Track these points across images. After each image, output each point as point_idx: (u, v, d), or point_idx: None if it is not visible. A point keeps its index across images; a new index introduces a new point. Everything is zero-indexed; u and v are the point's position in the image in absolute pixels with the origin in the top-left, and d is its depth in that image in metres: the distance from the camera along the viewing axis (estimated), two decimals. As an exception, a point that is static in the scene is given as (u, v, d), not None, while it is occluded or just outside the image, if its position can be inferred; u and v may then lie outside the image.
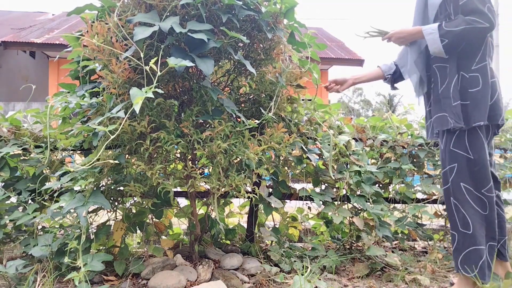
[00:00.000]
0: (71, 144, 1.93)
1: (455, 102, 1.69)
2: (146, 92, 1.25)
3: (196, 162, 2.01)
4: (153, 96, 1.28)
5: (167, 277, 1.80)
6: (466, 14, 1.60)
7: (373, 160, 2.68)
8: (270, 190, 2.39)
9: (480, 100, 1.67)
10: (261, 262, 2.13)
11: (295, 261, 2.13)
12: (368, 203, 2.28)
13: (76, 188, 1.74)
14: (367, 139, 2.58)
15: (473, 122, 1.67)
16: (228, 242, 2.50)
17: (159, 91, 1.30)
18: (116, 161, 1.56)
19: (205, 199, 2.33)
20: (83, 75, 1.89)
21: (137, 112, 1.22)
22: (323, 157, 2.30)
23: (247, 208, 2.61)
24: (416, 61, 1.85)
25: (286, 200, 2.48)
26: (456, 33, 1.61)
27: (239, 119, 1.80)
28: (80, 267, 1.57)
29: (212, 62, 1.47)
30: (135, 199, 2.13)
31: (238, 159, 1.85)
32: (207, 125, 1.91)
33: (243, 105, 2.06)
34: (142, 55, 1.41)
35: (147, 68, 1.34)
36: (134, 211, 2.17)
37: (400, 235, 2.57)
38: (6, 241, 2.02)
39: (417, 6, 1.84)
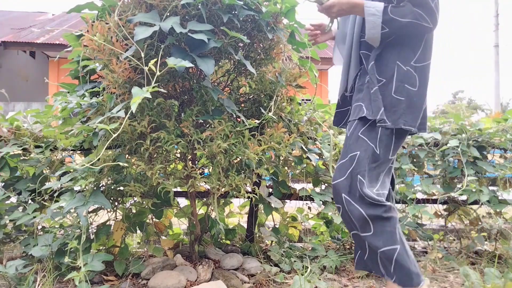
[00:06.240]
0: (71, 144, 1.93)
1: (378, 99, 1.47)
2: (147, 91, 1.25)
3: (196, 162, 2.01)
4: (150, 96, 1.28)
5: (167, 277, 1.79)
6: (414, 5, 1.39)
7: (373, 160, 2.67)
8: (270, 190, 2.39)
9: (415, 102, 1.47)
10: (261, 262, 2.13)
11: (295, 261, 2.13)
12: (368, 203, 2.28)
13: (76, 188, 1.74)
14: (367, 139, 2.57)
15: (402, 124, 1.45)
16: (228, 242, 2.50)
17: (160, 89, 1.30)
18: (118, 163, 1.55)
19: (205, 199, 2.33)
20: (83, 75, 1.89)
21: (134, 111, 1.22)
22: (323, 157, 2.30)
23: (247, 208, 2.61)
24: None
25: (286, 200, 2.48)
26: (401, 25, 1.39)
27: (239, 119, 1.80)
28: (80, 267, 1.57)
29: (212, 62, 1.47)
30: (135, 199, 2.13)
31: (238, 159, 1.85)
32: (207, 125, 1.91)
33: (243, 105, 2.06)
34: (142, 55, 1.41)
35: (147, 68, 1.34)
36: (134, 211, 2.17)
37: (400, 235, 2.56)
38: (6, 241, 2.02)
39: None
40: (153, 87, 1.29)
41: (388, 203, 1.45)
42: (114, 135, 1.41)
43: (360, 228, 1.46)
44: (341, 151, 1.57)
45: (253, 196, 1.92)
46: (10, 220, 1.90)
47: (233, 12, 1.60)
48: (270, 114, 1.81)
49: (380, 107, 1.45)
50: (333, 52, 1.84)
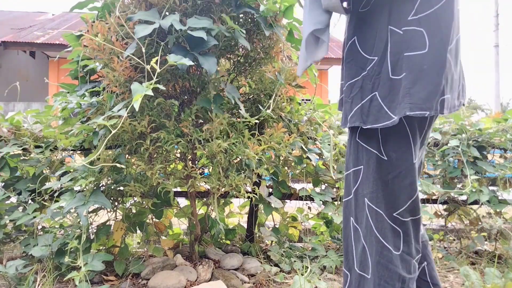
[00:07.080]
0: (71, 144, 1.93)
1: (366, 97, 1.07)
2: (147, 87, 1.25)
3: (196, 162, 2.01)
4: (152, 94, 1.27)
5: (167, 277, 1.79)
6: None
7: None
8: (270, 190, 2.39)
9: (427, 71, 0.98)
10: (261, 262, 2.13)
11: (295, 261, 2.13)
12: (368, 203, 2.28)
13: (76, 188, 1.74)
14: (367, 139, 2.57)
15: (408, 109, 0.98)
16: (228, 242, 2.50)
17: (161, 87, 1.29)
18: (117, 162, 1.55)
19: (205, 199, 2.32)
20: (83, 75, 1.89)
21: (137, 110, 1.21)
22: (323, 157, 2.30)
23: (247, 208, 2.61)
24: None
25: (286, 200, 2.48)
26: None
27: (238, 120, 1.79)
28: (80, 267, 1.57)
29: (214, 60, 1.46)
30: (135, 199, 2.13)
31: (238, 159, 1.85)
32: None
33: (243, 104, 2.06)
34: (143, 51, 1.41)
35: (148, 66, 1.34)
36: (134, 211, 2.17)
37: (400, 235, 2.56)
38: (6, 241, 2.02)
39: None
40: (153, 84, 1.29)
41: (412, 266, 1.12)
42: (114, 131, 1.40)
43: (359, 265, 1.15)
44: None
45: (253, 196, 1.92)
46: (10, 220, 1.90)
47: (230, 9, 1.61)
48: (269, 111, 1.81)
49: (361, 110, 1.09)
50: None
